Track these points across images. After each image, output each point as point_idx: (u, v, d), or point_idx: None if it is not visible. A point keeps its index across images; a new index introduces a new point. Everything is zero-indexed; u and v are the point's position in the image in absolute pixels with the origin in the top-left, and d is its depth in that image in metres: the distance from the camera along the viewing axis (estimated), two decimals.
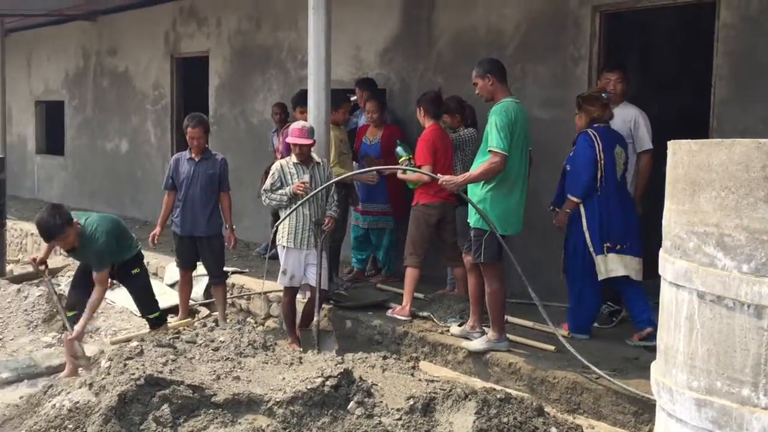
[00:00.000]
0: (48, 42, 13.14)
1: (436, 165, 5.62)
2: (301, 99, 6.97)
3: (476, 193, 4.79)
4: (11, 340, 5.97)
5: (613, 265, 4.90)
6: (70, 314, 5.40)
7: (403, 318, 5.64)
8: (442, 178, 4.86)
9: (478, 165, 4.78)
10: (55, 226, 5.00)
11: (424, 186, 5.75)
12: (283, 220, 5.43)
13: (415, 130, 6.77)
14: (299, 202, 5.31)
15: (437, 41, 7.05)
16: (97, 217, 5.35)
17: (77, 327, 5.20)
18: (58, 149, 13.11)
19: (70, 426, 3.43)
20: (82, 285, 5.44)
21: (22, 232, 10.17)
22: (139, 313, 6.09)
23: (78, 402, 3.56)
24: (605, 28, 5.95)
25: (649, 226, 5.68)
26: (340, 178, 5.60)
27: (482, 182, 4.74)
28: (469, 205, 4.84)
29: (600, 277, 4.93)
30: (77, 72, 12.45)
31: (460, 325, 5.30)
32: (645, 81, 7.07)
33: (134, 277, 5.67)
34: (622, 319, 5.43)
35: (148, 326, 5.85)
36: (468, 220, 4.94)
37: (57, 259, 9.17)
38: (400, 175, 5.95)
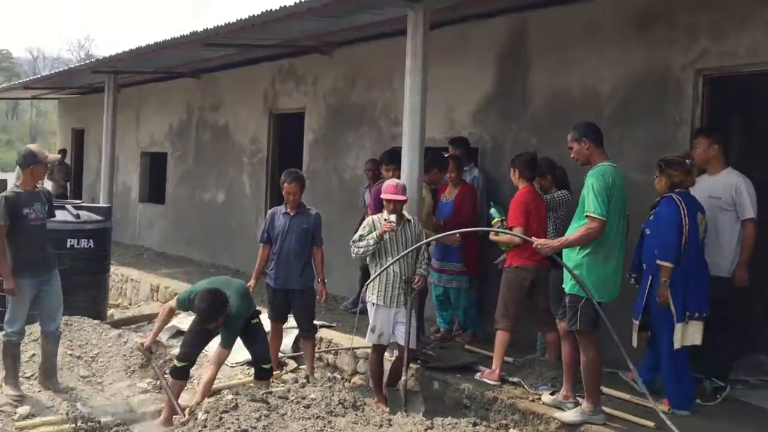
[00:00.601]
0: (155, 97, 13.93)
1: (530, 227, 5.58)
2: (390, 157, 7.11)
3: (572, 258, 4.71)
4: (110, 384, 6.19)
5: (692, 334, 4.78)
6: (180, 365, 5.43)
7: (492, 382, 5.53)
8: (537, 242, 4.80)
9: (575, 229, 4.70)
10: (214, 315, 5.15)
11: (517, 248, 5.68)
12: (375, 277, 5.46)
13: (507, 190, 6.75)
14: (393, 260, 5.35)
15: (532, 101, 7.06)
16: (235, 295, 5.40)
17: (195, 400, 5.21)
18: (160, 198, 13.74)
19: None
20: (200, 342, 5.55)
21: (123, 277, 10.63)
22: (230, 364, 6.22)
23: None
24: (708, 92, 5.82)
25: (752, 294, 5.46)
26: (433, 238, 5.59)
27: (578, 247, 4.65)
28: (564, 270, 4.75)
29: (676, 345, 4.80)
30: (181, 125, 13.11)
31: (552, 394, 5.15)
32: (750, 147, 6.82)
33: (253, 326, 5.68)
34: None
35: (254, 375, 5.88)
36: (563, 286, 4.84)
37: (154, 305, 9.53)
38: (492, 237, 5.93)
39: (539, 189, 6.11)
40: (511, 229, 5.57)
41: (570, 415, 4.80)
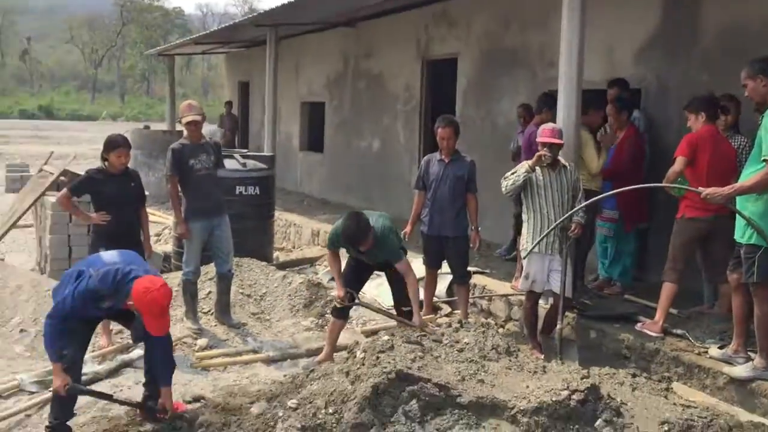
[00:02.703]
0: (313, 48, 14.34)
1: (698, 168, 5.15)
2: (546, 101, 6.89)
3: (747, 206, 4.36)
4: (277, 321, 6.62)
5: None
6: (340, 305, 5.53)
7: (654, 334, 5.32)
8: (705, 191, 4.47)
9: (750, 175, 4.34)
10: (360, 232, 5.21)
11: (691, 196, 5.17)
12: (551, 229, 5.28)
13: (671, 134, 6.35)
14: (562, 218, 5.21)
15: (702, 37, 6.53)
16: (379, 218, 5.52)
17: (416, 317, 5.42)
18: (319, 146, 14.27)
19: (330, 410, 3.72)
20: (356, 282, 5.67)
21: (287, 222, 11.22)
22: (387, 306, 6.41)
23: (336, 389, 3.85)
24: None
25: None
26: (599, 197, 5.29)
27: (755, 195, 4.30)
28: (738, 220, 4.42)
29: None
30: (337, 75, 13.44)
31: (720, 347, 4.88)
32: None
33: (397, 271, 5.68)
34: None
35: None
36: (735, 235, 4.52)
37: (315, 249, 10.00)
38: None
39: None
40: (674, 160, 5.20)
41: (741, 370, 4.54)
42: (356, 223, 5.21)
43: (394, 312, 5.75)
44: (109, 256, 4.34)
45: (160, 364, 4.35)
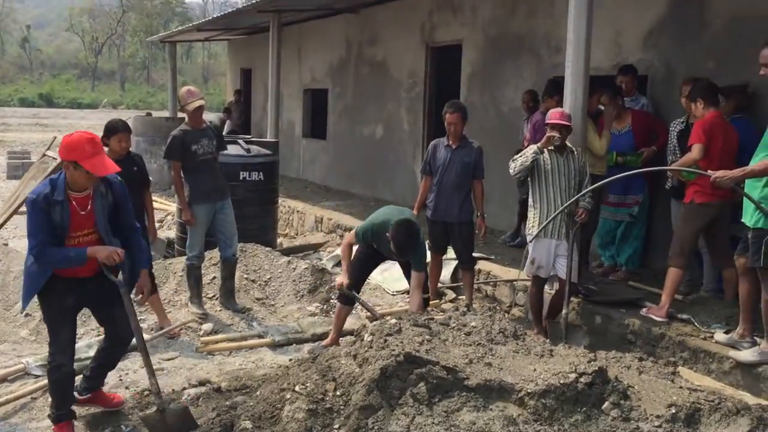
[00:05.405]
0: (316, 34, 14.27)
1: (711, 155, 5.13)
2: (552, 87, 6.87)
3: (756, 190, 4.34)
4: (282, 306, 6.62)
5: None
6: (347, 292, 5.52)
7: (660, 319, 5.31)
8: (715, 174, 4.45)
9: (760, 159, 4.33)
10: (411, 245, 5.14)
11: (700, 182, 5.18)
12: (558, 214, 5.28)
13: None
14: (569, 202, 5.21)
15: (710, 23, 6.49)
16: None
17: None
18: (322, 133, 14.23)
19: (338, 393, 3.72)
20: (365, 271, 5.66)
21: (290, 208, 11.21)
22: (391, 291, 6.41)
23: (344, 372, 3.85)
24: None
25: None
26: (608, 180, 5.26)
27: (764, 179, 4.29)
28: (746, 203, 4.41)
29: None
30: (340, 61, 13.39)
31: (726, 332, 4.88)
32: None
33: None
34: None
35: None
36: (743, 219, 4.51)
37: (318, 235, 9.99)
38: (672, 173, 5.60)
39: None
40: (690, 147, 5.18)
41: (747, 355, 4.54)
42: (409, 233, 5.12)
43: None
44: None
45: (137, 252, 4.18)
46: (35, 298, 4.03)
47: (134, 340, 4.19)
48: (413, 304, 5.27)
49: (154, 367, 5.04)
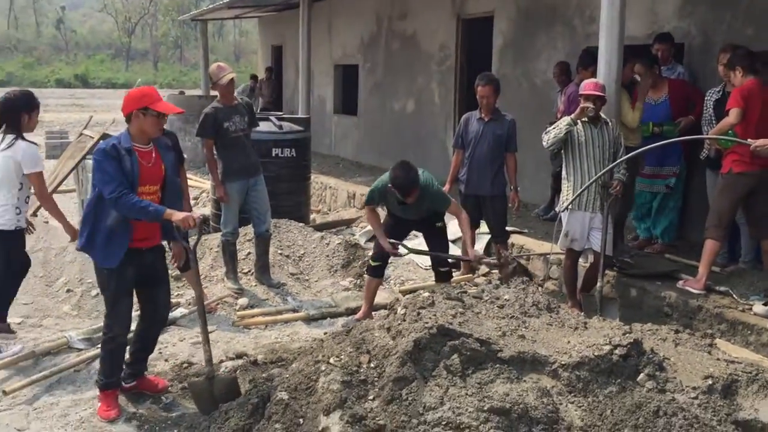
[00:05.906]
0: (346, 9, 14.20)
1: (749, 123, 5.00)
2: (588, 57, 6.75)
3: None
4: (315, 281, 6.69)
5: None
6: (374, 264, 5.59)
7: (697, 291, 5.25)
8: (755, 143, 4.36)
9: None
10: (410, 181, 5.11)
11: (739, 150, 5.07)
12: (588, 187, 5.22)
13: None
14: (601, 172, 5.15)
15: None
16: (420, 170, 5.41)
17: (470, 251, 5.40)
18: (353, 109, 14.21)
19: (372, 365, 3.76)
20: (395, 236, 5.59)
21: (322, 185, 11.25)
22: (425, 266, 6.42)
23: (377, 344, 3.89)
24: None
25: None
26: (644, 149, 5.17)
27: None
28: None
29: None
30: (370, 36, 13.31)
31: (765, 304, 4.81)
32: None
33: (437, 229, 5.67)
34: None
35: (434, 278, 6.04)
36: None
37: (351, 211, 10.03)
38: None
39: None
40: (727, 113, 5.06)
41: None
42: (406, 171, 5.11)
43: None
44: None
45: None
46: (89, 269, 4.06)
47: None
48: (463, 229, 5.37)
49: (192, 341, 5.17)
